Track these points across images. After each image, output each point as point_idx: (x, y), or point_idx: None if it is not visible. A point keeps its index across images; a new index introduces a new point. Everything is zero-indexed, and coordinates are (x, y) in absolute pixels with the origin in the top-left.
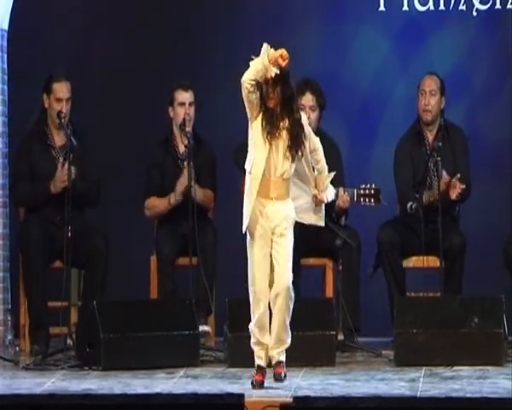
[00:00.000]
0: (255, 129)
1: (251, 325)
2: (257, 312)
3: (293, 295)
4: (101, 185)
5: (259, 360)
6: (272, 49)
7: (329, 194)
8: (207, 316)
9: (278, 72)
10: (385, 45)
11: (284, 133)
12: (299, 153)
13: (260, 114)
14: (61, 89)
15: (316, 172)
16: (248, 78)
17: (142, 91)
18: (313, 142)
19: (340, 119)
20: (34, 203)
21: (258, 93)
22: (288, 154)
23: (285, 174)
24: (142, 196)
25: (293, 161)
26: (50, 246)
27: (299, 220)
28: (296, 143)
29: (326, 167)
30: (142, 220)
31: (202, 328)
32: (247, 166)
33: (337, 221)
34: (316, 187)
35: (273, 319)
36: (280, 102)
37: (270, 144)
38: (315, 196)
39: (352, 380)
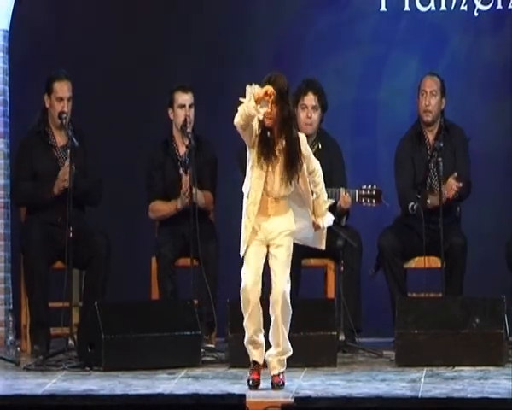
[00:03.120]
0: (252, 153)
1: (244, 321)
2: (247, 309)
3: (289, 306)
4: (102, 185)
5: (255, 357)
6: (257, 87)
7: (327, 220)
8: (211, 333)
9: (265, 112)
10: (386, 45)
11: (281, 154)
12: (296, 173)
13: (257, 140)
14: (62, 88)
15: (314, 196)
16: (239, 123)
17: (142, 91)
18: (312, 163)
19: (341, 119)
20: (35, 203)
21: (253, 126)
22: (285, 175)
23: (283, 194)
24: (146, 199)
25: (290, 180)
26: (51, 246)
27: (300, 243)
28: (293, 164)
29: (325, 193)
30: (143, 221)
31: (207, 346)
32: (244, 190)
33: (338, 222)
34: (313, 212)
35: (271, 328)
36: (278, 121)
37: (267, 167)
38: (313, 222)
39: (354, 380)
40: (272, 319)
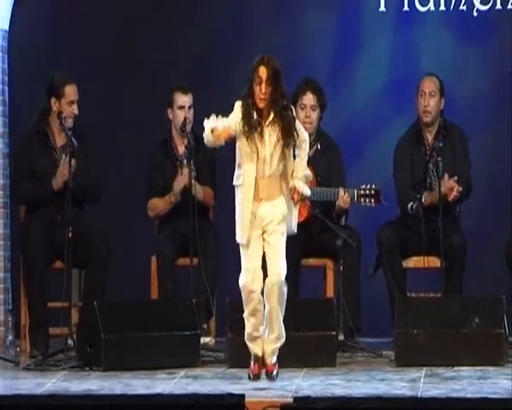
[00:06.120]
0: (241, 142)
1: (245, 315)
2: (249, 303)
3: (285, 290)
4: (100, 183)
5: (255, 350)
6: (218, 122)
7: (305, 186)
8: (208, 320)
9: (258, 94)
10: (385, 46)
11: (272, 131)
12: (291, 146)
13: (243, 127)
14: (72, 91)
15: (297, 159)
16: (207, 143)
17: (142, 92)
18: (303, 134)
19: (340, 119)
20: (35, 201)
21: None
22: (277, 149)
23: (275, 172)
24: (145, 198)
25: (282, 155)
26: (51, 246)
27: None
28: (288, 136)
29: (306, 159)
30: (143, 221)
31: (204, 340)
32: (235, 182)
33: (337, 221)
34: (292, 175)
35: (266, 314)
36: (270, 101)
37: (257, 149)
38: (292, 188)
39: (353, 380)
40: (267, 307)
